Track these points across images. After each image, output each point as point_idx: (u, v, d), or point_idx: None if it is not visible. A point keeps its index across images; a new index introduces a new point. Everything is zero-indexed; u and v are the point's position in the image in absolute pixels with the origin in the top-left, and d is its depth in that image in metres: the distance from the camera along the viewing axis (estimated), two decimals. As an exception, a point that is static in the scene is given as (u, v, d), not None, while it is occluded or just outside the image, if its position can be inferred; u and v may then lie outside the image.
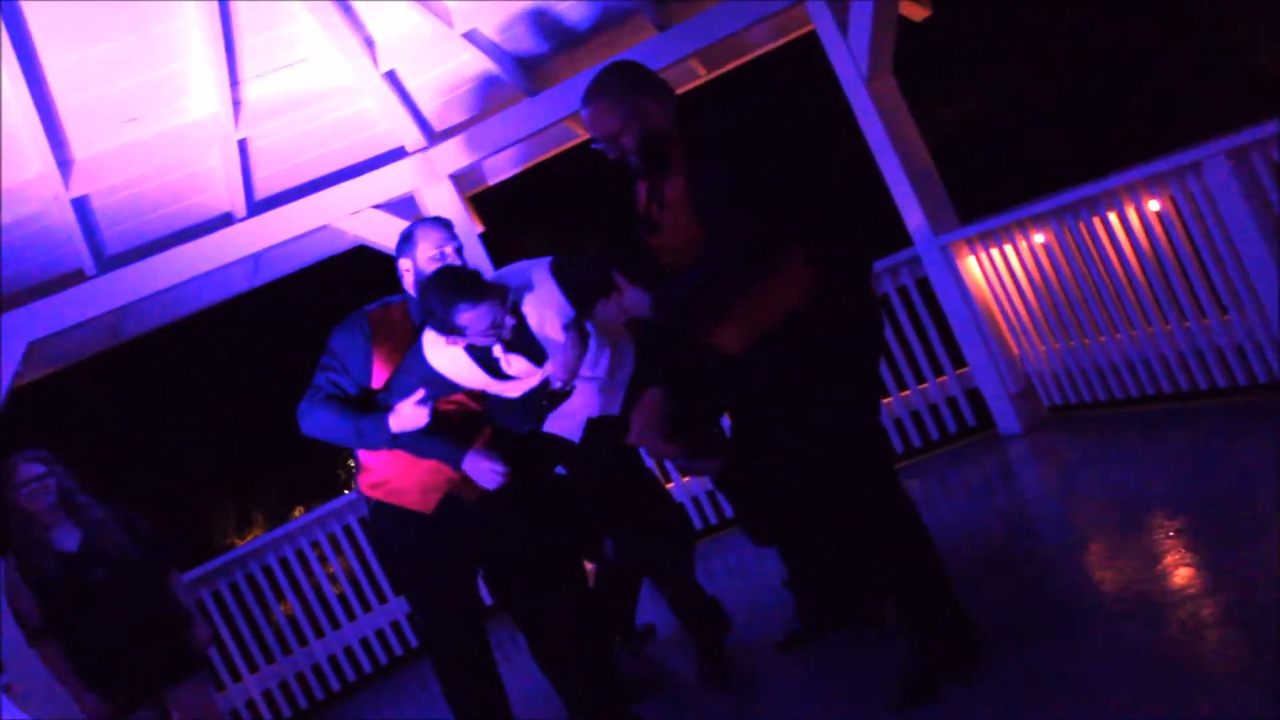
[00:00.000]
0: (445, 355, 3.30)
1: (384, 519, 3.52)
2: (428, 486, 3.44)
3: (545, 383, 3.39)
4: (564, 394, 3.47)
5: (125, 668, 4.09)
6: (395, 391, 3.32)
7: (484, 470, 3.32)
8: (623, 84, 3.09)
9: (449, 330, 3.22)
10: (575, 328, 3.32)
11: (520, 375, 3.37)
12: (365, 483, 3.53)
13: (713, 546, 5.64)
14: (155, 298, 5.67)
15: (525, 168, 6.45)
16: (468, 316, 3.18)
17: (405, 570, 3.57)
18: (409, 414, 3.25)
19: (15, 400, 5.29)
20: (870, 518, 3.10)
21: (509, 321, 3.23)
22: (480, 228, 6.25)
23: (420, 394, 3.23)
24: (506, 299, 3.23)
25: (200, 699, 4.27)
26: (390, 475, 3.46)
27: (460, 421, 3.43)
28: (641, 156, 3.08)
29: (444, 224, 3.48)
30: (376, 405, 3.37)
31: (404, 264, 3.46)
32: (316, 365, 3.43)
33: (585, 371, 3.48)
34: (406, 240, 3.46)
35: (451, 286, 3.18)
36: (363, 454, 3.50)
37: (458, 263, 3.40)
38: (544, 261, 3.40)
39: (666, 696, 4.01)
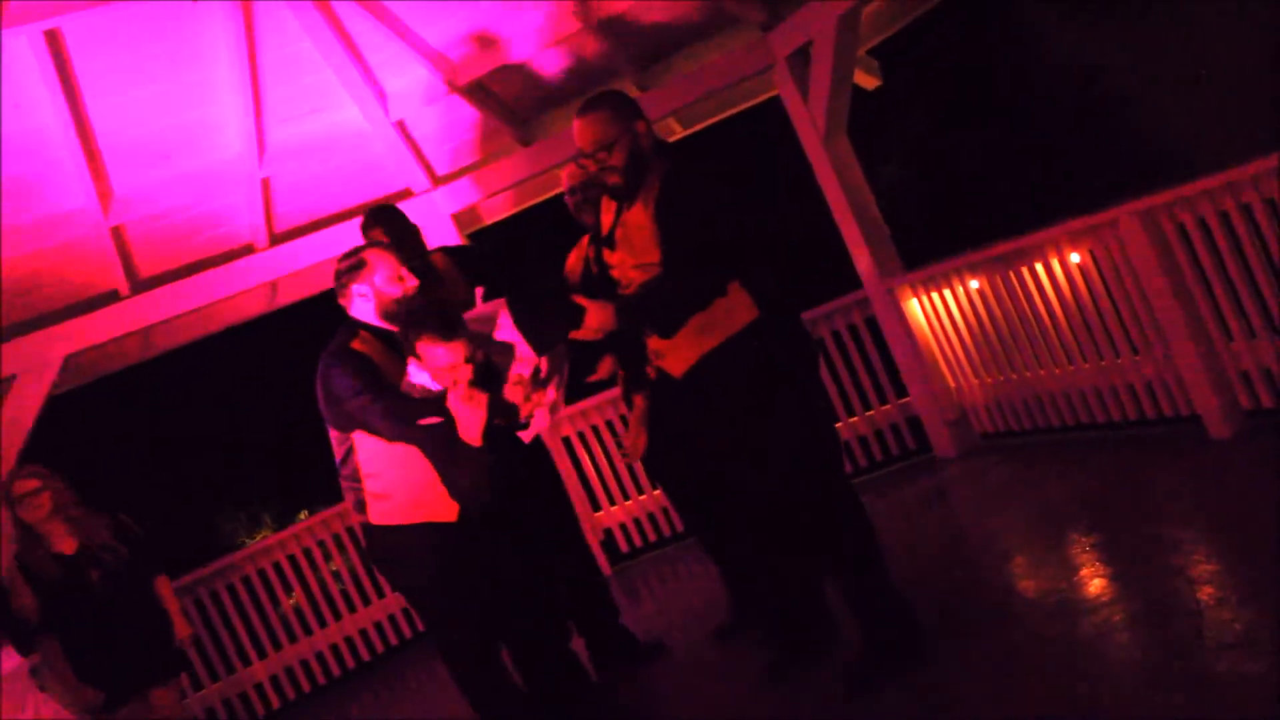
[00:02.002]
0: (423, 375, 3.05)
1: (405, 537, 3.14)
2: (443, 493, 3.12)
3: (508, 408, 3.06)
4: (524, 423, 3.19)
5: (116, 666, 4.03)
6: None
7: (465, 409, 2.90)
8: (621, 101, 3.04)
9: (407, 351, 2.98)
10: (557, 355, 3.20)
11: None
12: (378, 511, 3.16)
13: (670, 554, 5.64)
14: (182, 318, 5.63)
15: (518, 210, 6.47)
16: (430, 349, 2.93)
17: (435, 582, 3.17)
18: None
19: (53, 407, 5.25)
20: (826, 511, 3.04)
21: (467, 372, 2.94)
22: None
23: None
24: (473, 351, 2.95)
25: (176, 702, 4.23)
26: (408, 491, 3.12)
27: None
28: (624, 173, 2.97)
29: (393, 247, 3.15)
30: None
31: (359, 290, 3.12)
32: (352, 391, 3.01)
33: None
34: (358, 268, 3.12)
35: (429, 319, 2.93)
36: (369, 484, 3.15)
37: (415, 283, 3.15)
38: (500, 304, 3.16)
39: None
